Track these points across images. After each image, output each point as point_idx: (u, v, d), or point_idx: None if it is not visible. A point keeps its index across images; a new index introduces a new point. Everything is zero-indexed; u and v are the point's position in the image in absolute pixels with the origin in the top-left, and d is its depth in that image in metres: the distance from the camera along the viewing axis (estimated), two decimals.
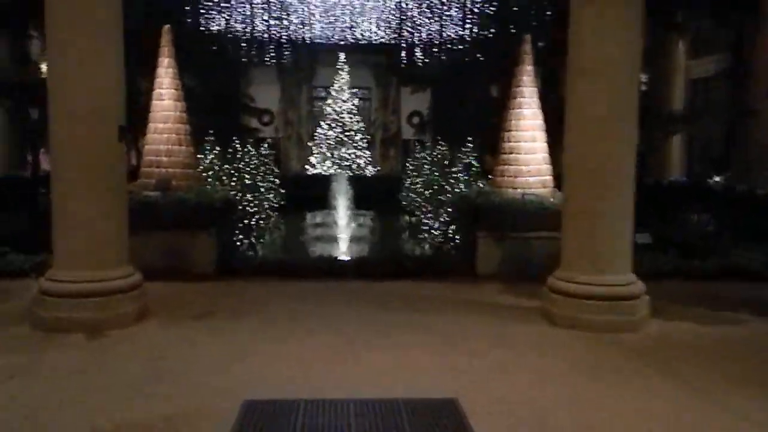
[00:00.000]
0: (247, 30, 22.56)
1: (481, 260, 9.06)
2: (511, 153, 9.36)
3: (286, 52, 24.59)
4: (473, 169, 15.06)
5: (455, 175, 15.32)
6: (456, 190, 14.64)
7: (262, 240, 14.97)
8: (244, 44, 23.03)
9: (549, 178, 9.42)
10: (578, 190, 6.71)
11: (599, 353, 5.84)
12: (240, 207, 14.81)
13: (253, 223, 15.52)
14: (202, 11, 19.82)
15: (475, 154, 15.58)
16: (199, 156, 14.98)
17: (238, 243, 9.98)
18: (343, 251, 13.27)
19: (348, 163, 25.86)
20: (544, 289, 7.09)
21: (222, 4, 21.17)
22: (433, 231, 14.83)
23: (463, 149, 15.67)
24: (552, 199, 9.13)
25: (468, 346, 5.93)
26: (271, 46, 23.93)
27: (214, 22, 21.35)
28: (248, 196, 15.97)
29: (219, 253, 8.98)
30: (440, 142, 18.88)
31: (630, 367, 5.51)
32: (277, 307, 7.34)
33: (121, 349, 5.82)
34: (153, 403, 4.55)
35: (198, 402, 4.59)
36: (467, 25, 21.51)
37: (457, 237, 12.62)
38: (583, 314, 6.54)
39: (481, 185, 12.38)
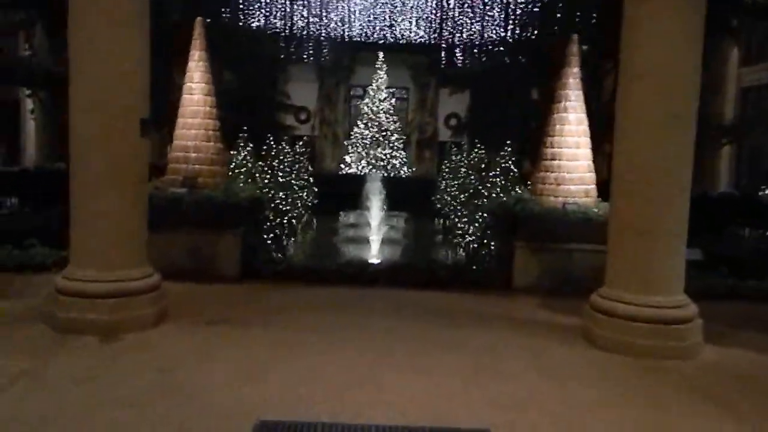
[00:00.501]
0: (286, 26, 22.30)
1: (518, 272, 8.52)
2: (554, 159, 8.79)
3: (325, 50, 24.29)
4: (511, 174, 14.57)
5: (492, 180, 14.85)
6: (493, 195, 14.18)
7: (293, 239, 14.66)
8: (283, 41, 22.80)
9: (592, 186, 8.83)
10: (629, 201, 6.14)
11: (646, 384, 5.28)
12: (271, 205, 14.59)
13: (285, 221, 15.28)
14: (240, 6, 19.51)
15: (514, 159, 15.05)
16: (231, 152, 14.82)
17: (266, 244, 9.58)
18: (374, 254, 12.85)
19: (383, 164, 25.43)
20: (586, 307, 6.55)
21: (261, 0, 20.90)
22: (467, 237, 14.35)
23: (502, 153, 15.14)
24: (596, 210, 8.55)
25: (503, 370, 5.43)
26: (310, 44, 23.65)
27: (252, 17, 21.10)
28: (281, 194, 15.76)
29: (244, 255, 8.60)
30: (478, 146, 18.38)
31: (682, 400, 4.95)
32: (300, 316, 6.92)
33: (133, 358, 5.45)
34: (159, 426, 4.15)
35: (207, 425, 4.18)
36: (509, 26, 20.91)
37: (492, 245, 12.13)
38: (627, 337, 5.99)
39: (519, 192, 11.91)
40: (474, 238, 14.03)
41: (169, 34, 13.88)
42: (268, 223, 9.81)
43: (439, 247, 15.33)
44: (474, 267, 8.86)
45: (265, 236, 9.52)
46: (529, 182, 12.45)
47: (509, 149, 15.02)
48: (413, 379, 5.13)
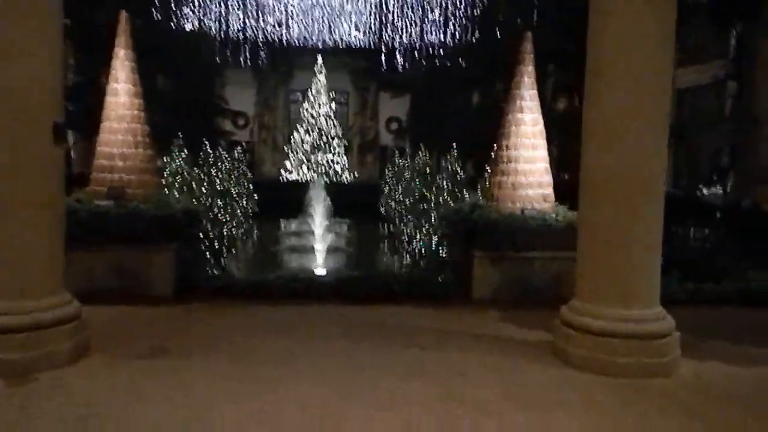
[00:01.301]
0: (222, 29, 21.29)
1: (477, 283, 7.92)
2: (510, 162, 8.24)
3: (263, 54, 23.36)
4: (458, 178, 14.03)
5: (438, 185, 14.28)
6: (440, 199, 13.61)
7: (232, 250, 13.73)
8: (219, 44, 21.77)
9: (550, 191, 8.32)
10: (600, 211, 5.57)
11: (636, 411, 4.70)
12: (209, 215, 13.63)
13: (224, 232, 14.31)
14: (173, 7, 18.42)
15: (459, 163, 14.54)
16: (165, 160, 13.77)
17: (203, 259, 8.68)
18: (319, 265, 12.09)
19: (325, 169, 24.66)
20: (555, 322, 5.96)
21: (196, 1, 19.85)
22: (415, 243, 13.73)
23: (447, 157, 14.59)
24: (555, 215, 8.04)
25: (476, 398, 4.76)
26: (247, 47, 22.69)
27: (186, 19, 20.03)
28: (219, 202, 14.78)
29: (179, 273, 7.71)
30: (422, 150, 17.81)
31: (677, 425, 4.40)
32: (246, 342, 6.08)
33: (47, 403, 4.54)
34: None
35: None
36: (449, 29, 20.49)
37: (447, 255, 11.55)
38: (605, 355, 5.42)
39: (472, 197, 11.34)
40: (422, 244, 13.47)
41: (99, 33, 12.76)
42: (206, 236, 8.87)
43: (387, 255, 14.64)
44: (430, 279, 8.18)
45: (203, 250, 8.61)
46: (478, 186, 12.02)
47: (455, 153, 14.51)
48: (378, 416, 4.41)
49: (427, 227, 13.59)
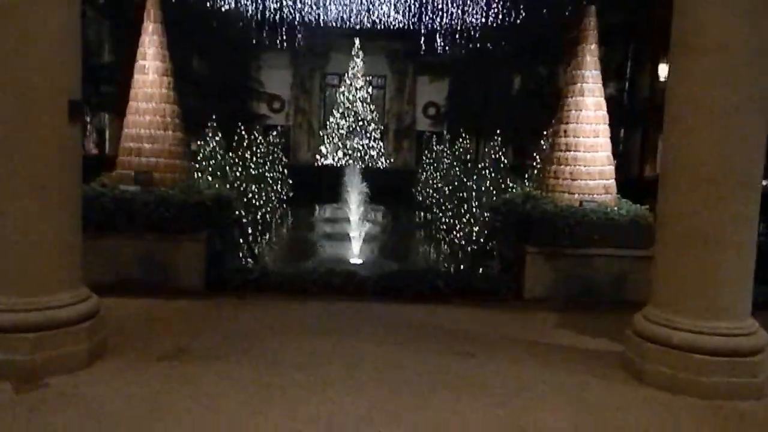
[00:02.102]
0: (258, 10, 20.60)
1: (529, 281, 7.17)
2: (568, 150, 7.44)
3: (299, 36, 22.64)
4: (502, 165, 13.25)
5: (480, 172, 13.52)
6: (482, 188, 12.86)
7: (266, 238, 13.19)
8: (255, 26, 21.11)
9: (612, 182, 7.51)
10: (687, 204, 4.79)
11: None
12: (243, 202, 13.07)
13: (258, 218, 13.77)
14: None
15: (503, 150, 13.75)
16: (199, 143, 13.25)
17: (235, 249, 8.07)
18: (356, 254, 11.47)
19: (360, 154, 23.99)
20: (627, 332, 5.21)
21: None
22: (456, 234, 13.01)
23: (491, 144, 13.81)
24: (618, 209, 7.24)
25: (547, 428, 4.06)
26: (284, 29, 21.98)
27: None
28: (254, 187, 14.24)
29: (209, 263, 7.12)
30: (462, 135, 17.02)
31: None
32: (278, 343, 5.45)
33: (56, 416, 3.97)
34: None
35: None
36: (493, 10, 19.52)
37: (497, 249, 10.86)
38: (689, 374, 4.67)
39: (514, 186, 10.57)
40: (462, 234, 12.74)
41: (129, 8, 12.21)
42: (239, 224, 8.26)
43: (426, 246, 13.96)
44: (477, 276, 7.46)
45: (234, 240, 8.01)
46: (525, 175, 11.21)
47: (498, 139, 13.71)
48: None
49: (468, 216, 12.87)
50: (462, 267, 8.71)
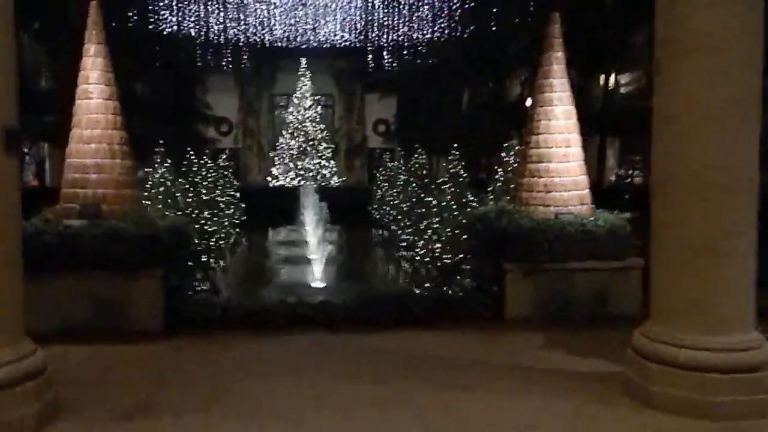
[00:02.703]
0: (202, 32, 19.97)
1: (510, 300, 6.77)
2: (540, 161, 7.11)
3: (245, 57, 22.06)
4: (461, 179, 12.92)
5: (440, 187, 13.16)
6: (442, 203, 12.50)
7: (222, 265, 12.50)
8: (199, 48, 20.44)
9: (587, 192, 7.21)
10: (685, 212, 4.46)
11: None
12: (195, 230, 12.37)
13: (212, 245, 13.07)
14: (149, 9, 17.05)
15: (461, 164, 13.42)
16: (147, 170, 12.49)
17: (195, 284, 7.42)
18: (317, 278, 10.92)
19: (312, 174, 23.42)
20: (628, 352, 4.83)
21: (174, 4, 18.49)
22: (418, 252, 12.59)
23: (450, 158, 13.47)
24: (594, 220, 6.94)
25: None
26: (229, 50, 21.37)
27: (165, 22, 18.68)
28: (206, 213, 13.56)
29: (167, 301, 6.47)
30: (419, 151, 16.67)
31: None
32: (248, 388, 4.86)
33: None
34: None
35: None
36: (438, 25, 19.38)
37: (462, 266, 10.46)
38: (697, 394, 4.31)
39: (476, 201, 10.23)
40: (426, 252, 12.33)
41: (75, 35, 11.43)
42: (196, 256, 7.61)
43: (387, 263, 13.50)
44: (455, 297, 7.02)
45: (193, 273, 7.36)
46: (490, 189, 10.88)
47: (456, 154, 13.39)
48: None
49: (429, 233, 12.48)
50: (435, 288, 8.24)
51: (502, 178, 10.56)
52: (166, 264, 6.52)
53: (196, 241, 11.68)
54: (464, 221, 7.68)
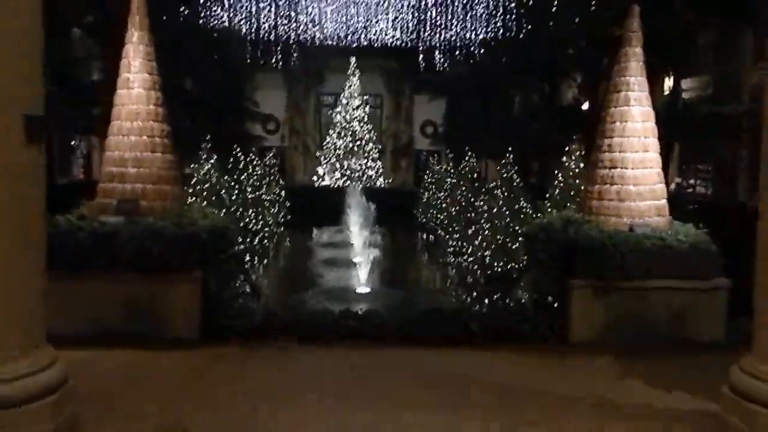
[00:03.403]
0: (252, 29, 19.64)
1: (576, 321, 6.05)
2: (614, 167, 6.38)
3: (294, 55, 21.66)
4: (515, 185, 12.22)
5: (492, 192, 12.48)
6: (493, 209, 11.82)
7: (264, 266, 12.06)
8: (249, 45, 20.10)
9: (664, 202, 6.45)
10: None
11: None
12: (240, 226, 11.95)
13: (256, 245, 12.66)
14: (201, 5, 16.71)
15: (514, 168, 12.71)
16: (192, 166, 12.14)
17: (236, 289, 6.90)
18: (362, 283, 10.33)
19: (358, 175, 22.90)
20: (726, 391, 4.11)
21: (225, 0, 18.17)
22: (468, 259, 11.92)
23: (503, 162, 12.77)
24: (674, 234, 6.17)
25: None
26: (278, 48, 20.99)
27: (215, 18, 18.40)
28: (251, 212, 13.18)
29: (205, 308, 5.97)
30: (468, 154, 15.98)
31: None
32: (288, 413, 4.31)
33: None
34: None
35: None
36: (492, 26, 18.63)
37: (514, 275, 9.75)
38: None
39: (543, 209, 9.50)
40: (474, 259, 11.66)
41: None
42: (239, 260, 7.08)
43: (434, 269, 12.85)
44: (515, 315, 6.33)
45: (233, 277, 6.85)
46: (547, 195, 10.14)
47: (510, 157, 12.68)
48: None
49: (479, 240, 11.81)
50: (487, 299, 7.54)
51: (561, 184, 9.86)
52: (206, 267, 6.02)
53: (239, 241, 11.37)
54: (525, 231, 6.95)
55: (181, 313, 5.89)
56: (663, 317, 6.02)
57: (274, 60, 20.87)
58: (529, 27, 15.49)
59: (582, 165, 9.76)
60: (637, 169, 6.32)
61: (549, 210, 9.63)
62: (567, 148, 9.78)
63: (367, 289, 10.08)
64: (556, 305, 6.21)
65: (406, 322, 6.08)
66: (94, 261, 5.78)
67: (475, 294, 9.80)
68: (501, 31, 18.08)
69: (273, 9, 19.62)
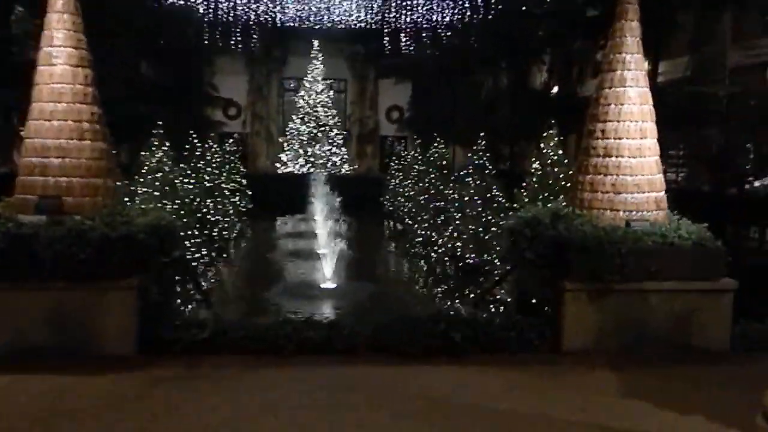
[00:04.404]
0: (211, 10, 18.41)
1: (569, 327, 5.29)
2: (608, 155, 5.61)
3: (255, 37, 20.50)
4: (487, 172, 11.45)
5: (464, 180, 11.69)
6: (465, 198, 11.08)
7: (222, 258, 11.12)
8: (207, 26, 18.88)
9: (663, 194, 5.72)
10: None
11: None
12: (197, 216, 10.98)
13: (213, 236, 11.70)
14: None
15: (488, 154, 11.95)
16: (143, 153, 11.07)
17: (179, 296, 5.94)
18: (327, 277, 9.47)
19: (322, 161, 21.93)
20: (759, 421, 3.38)
21: None
22: (438, 250, 11.15)
23: (474, 149, 11.97)
24: (675, 229, 5.45)
25: None
26: (238, 30, 19.81)
27: None
28: (208, 201, 12.18)
29: (145, 319, 5.03)
30: (438, 140, 15.16)
31: None
32: None
33: None
34: None
35: None
36: (459, 8, 17.77)
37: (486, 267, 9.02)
38: None
39: (519, 198, 8.75)
40: (445, 250, 10.90)
41: None
42: (182, 260, 6.09)
43: (403, 261, 12.06)
44: (500, 321, 5.54)
45: (177, 284, 5.88)
46: (523, 184, 9.38)
47: (482, 144, 11.88)
48: None
49: (450, 229, 11.04)
50: (467, 301, 6.77)
51: (539, 172, 9.11)
52: (145, 272, 5.07)
53: (195, 233, 10.38)
54: (508, 225, 6.15)
55: (115, 326, 4.95)
56: (664, 323, 5.30)
57: (234, 42, 19.68)
58: (499, 7, 14.68)
59: (560, 152, 9.04)
60: (634, 157, 5.56)
61: (526, 200, 8.93)
62: (545, 134, 8.99)
63: (333, 285, 9.25)
64: (546, 309, 5.44)
65: (377, 332, 5.24)
66: (12, 266, 4.80)
67: (446, 287, 9.09)
68: (468, 13, 17.26)
69: None
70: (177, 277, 5.69)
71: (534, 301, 5.61)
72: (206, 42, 18.66)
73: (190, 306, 5.91)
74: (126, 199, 7.21)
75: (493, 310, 6.29)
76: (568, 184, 8.46)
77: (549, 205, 6.15)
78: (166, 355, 4.96)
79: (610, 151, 5.60)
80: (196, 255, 9.96)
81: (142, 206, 5.60)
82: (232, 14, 19.25)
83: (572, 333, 5.28)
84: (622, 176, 5.56)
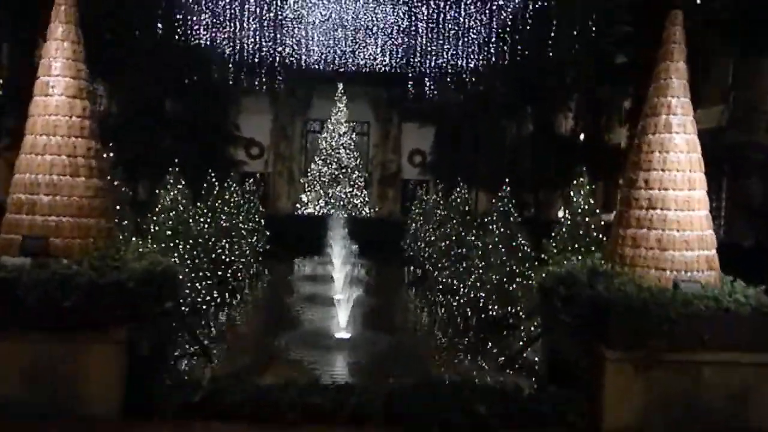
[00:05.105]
0: (237, 51, 18.29)
1: (612, 402, 4.59)
2: (653, 208, 5.00)
3: (280, 78, 20.36)
4: (512, 219, 10.83)
5: (488, 226, 11.08)
6: (489, 245, 10.46)
7: (235, 299, 10.57)
8: (233, 66, 18.76)
9: (714, 253, 5.06)
10: None
11: None
12: (212, 257, 10.51)
13: (228, 277, 11.21)
14: (179, 19, 15.31)
15: (511, 201, 11.34)
16: (158, 191, 10.69)
17: (172, 352, 5.35)
18: (342, 326, 8.83)
19: (343, 203, 21.50)
20: None
21: (206, 16, 16.79)
22: (458, 298, 10.49)
23: (500, 195, 11.37)
24: (730, 291, 4.77)
25: None
26: (264, 71, 19.67)
27: (196, 36, 17.04)
28: (224, 241, 11.73)
29: (132, 377, 4.45)
30: (461, 185, 14.60)
31: None
32: None
33: None
34: None
35: None
36: (484, 53, 17.41)
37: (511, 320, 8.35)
38: None
39: (546, 247, 8.13)
40: (467, 300, 10.23)
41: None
42: (180, 311, 5.51)
43: (423, 310, 11.38)
44: (532, 394, 4.86)
45: (177, 336, 5.31)
46: (553, 233, 8.75)
47: (507, 190, 11.29)
48: None
49: (473, 278, 10.38)
50: (505, 382, 6.04)
51: (569, 221, 8.49)
52: (134, 323, 4.51)
53: (208, 276, 9.87)
54: (540, 282, 5.51)
55: (98, 384, 4.37)
56: (718, 398, 4.58)
57: (259, 83, 19.53)
58: (525, 53, 14.26)
59: (591, 201, 8.45)
60: (681, 210, 4.93)
61: (554, 251, 8.30)
62: (575, 182, 8.40)
63: (348, 335, 8.62)
64: (581, 376, 4.75)
65: (392, 400, 4.58)
66: None
67: (467, 341, 8.45)
68: (493, 58, 16.89)
69: (259, 31, 18.30)
70: (173, 327, 5.11)
71: (567, 365, 4.93)
72: (231, 81, 18.51)
73: (187, 360, 5.30)
74: (134, 238, 6.76)
75: (521, 372, 5.58)
76: (601, 236, 7.89)
77: (586, 261, 5.48)
78: (155, 418, 4.36)
79: (655, 202, 4.98)
80: (207, 298, 9.48)
81: (140, 249, 5.05)
82: (258, 55, 19.13)
83: (614, 408, 4.57)
84: (668, 231, 4.92)
